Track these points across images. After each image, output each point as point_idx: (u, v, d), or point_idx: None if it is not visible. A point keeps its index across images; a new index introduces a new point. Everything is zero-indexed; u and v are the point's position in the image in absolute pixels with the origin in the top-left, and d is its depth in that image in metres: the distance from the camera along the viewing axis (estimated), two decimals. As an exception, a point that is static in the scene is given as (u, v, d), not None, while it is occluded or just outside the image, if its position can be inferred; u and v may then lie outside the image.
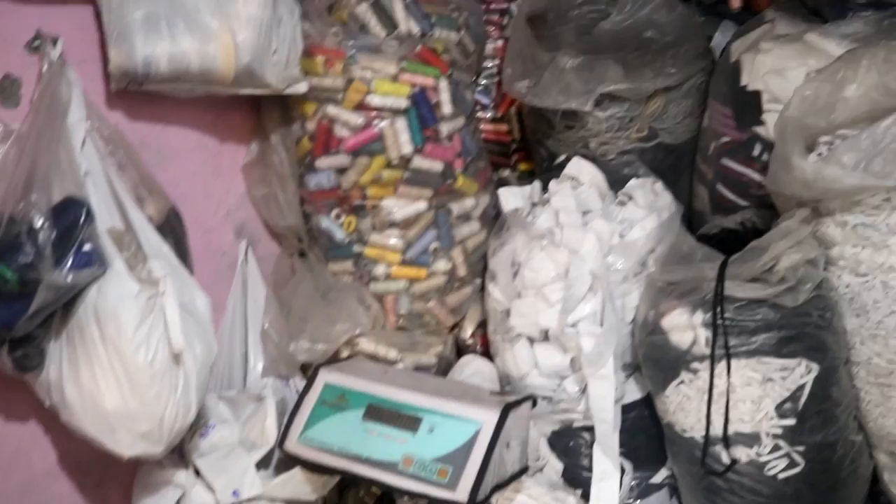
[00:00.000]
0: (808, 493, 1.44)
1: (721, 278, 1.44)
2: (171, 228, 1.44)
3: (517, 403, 1.41)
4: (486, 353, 1.74)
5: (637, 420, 1.61)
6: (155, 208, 1.43)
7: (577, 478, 1.61)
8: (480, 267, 1.75)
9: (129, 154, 1.43)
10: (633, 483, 1.61)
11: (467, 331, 1.75)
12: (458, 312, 1.75)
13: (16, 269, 1.17)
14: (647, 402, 1.61)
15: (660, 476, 1.63)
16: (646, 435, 1.61)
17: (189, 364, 1.31)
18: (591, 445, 1.58)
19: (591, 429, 1.57)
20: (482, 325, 1.76)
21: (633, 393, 1.61)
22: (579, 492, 1.58)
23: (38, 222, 1.19)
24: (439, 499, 1.33)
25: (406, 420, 1.41)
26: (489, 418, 1.36)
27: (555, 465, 1.62)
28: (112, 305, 1.23)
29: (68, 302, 1.26)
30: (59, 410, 1.31)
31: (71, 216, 1.22)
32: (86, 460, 1.50)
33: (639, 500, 1.61)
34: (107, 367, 1.25)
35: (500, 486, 1.38)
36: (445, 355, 1.72)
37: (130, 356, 1.24)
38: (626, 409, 1.59)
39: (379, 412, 1.44)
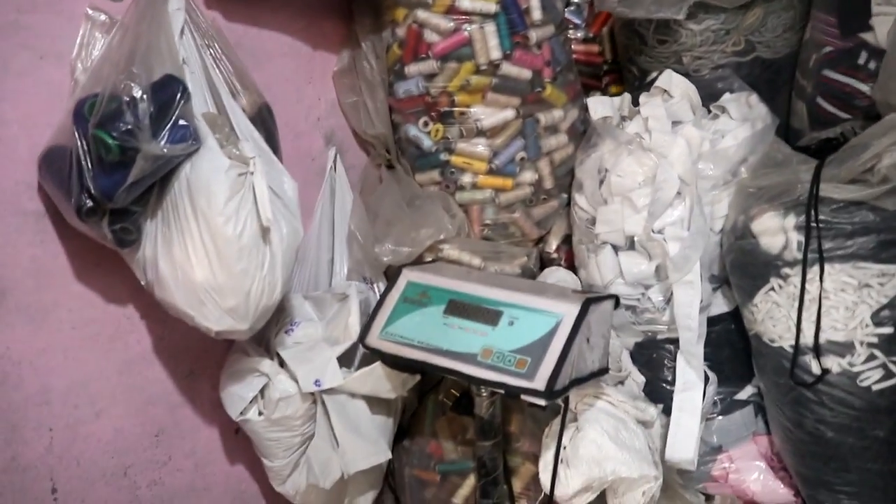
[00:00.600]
0: (904, 406, 1.38)
1: (816, 179, 1.39)
2: (263, 121, 1.47)
3: (599, 300, 1.39)
4: (571, 267, 1.73)
5: (723, 334, 1.57)
6: (248, 101, 1.47)
7: (659, 391, 1.58)
8: (567, 182, 1.73)
9: (225, 49, 1.47)
10: (717, 398, 1.57)
11: (552, 244, 1.74)
12: (544, 225, 1.74)
13: (117, 136, 1.22)
14: (735, 317, 1.56)
15: (745, 393, 1.58)
16: (732, 349, 1.57)
17: (276, 243, 1.34)
18: (674, 359, 1.55)
19: (675, 341, 1.54)
20: (567, 240, 1.75)
21: (720, 306, 1.57)
22: (661, 406, 1.56)
23: (138, 94, 1.24)
24: (517, 387, 1.32)
25: (486, 314, 1.41)
26: (570, 311, 1.35)
27: (637, 379, 1.59)
28: (204, 178, 1.28)
29: (163, 180, 1.31)
30: (153, 287, 1.37)
31: (169, 91, 1.27)
32: (179, 348, 1.57)
33: (722, 416, 1.57)
34: (197, 240, 1.29)
35: (578, 381, 1.36)
36: (529, 266, 1.71)
37: (220, 228, 1.27)
38: (713, 322, 1.56)
39: (460, 307, 1.44)
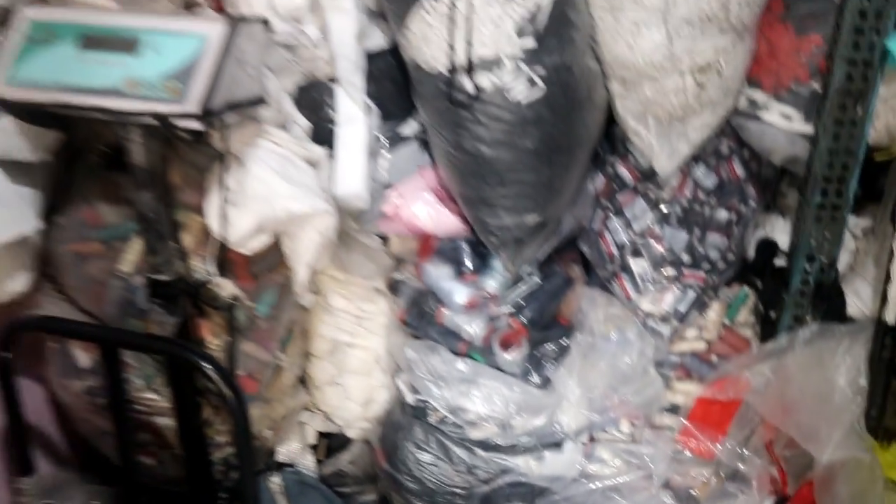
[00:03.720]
0: (548, 116, 1.47)
1: None
2: None
3: (246, 21, 1.31)
4: (220, 12, 1.61)
5: (384, 69, 1.57)
6: None
7: (325, 134, 1.55)
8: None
9: None
10: (382, 135, 1.58)
11: (200, -9, 1.60)
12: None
13: None
14: (395, 54, 1.56)
15: (410, 128, 1.61)
16: (393, 84, 1.58)
17: None
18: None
19: (337, 81, 1.51)
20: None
21: (379, 41, 1.55)
22: (328, 151, 1.54)
23: None
24: (170, 113, 1.22)
25: (124, 43, 1.27)
26: (216, 31, 1.25)
27: (301, 123, 1.55)
28: None
29: None
30: None
31: None
32: None
33: (388, 153, 1.59)
34: None
35: (236, 106, 1.28)
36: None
37: None
38: (372, 59, 1.54)
39: (94, 40, 1.28)
